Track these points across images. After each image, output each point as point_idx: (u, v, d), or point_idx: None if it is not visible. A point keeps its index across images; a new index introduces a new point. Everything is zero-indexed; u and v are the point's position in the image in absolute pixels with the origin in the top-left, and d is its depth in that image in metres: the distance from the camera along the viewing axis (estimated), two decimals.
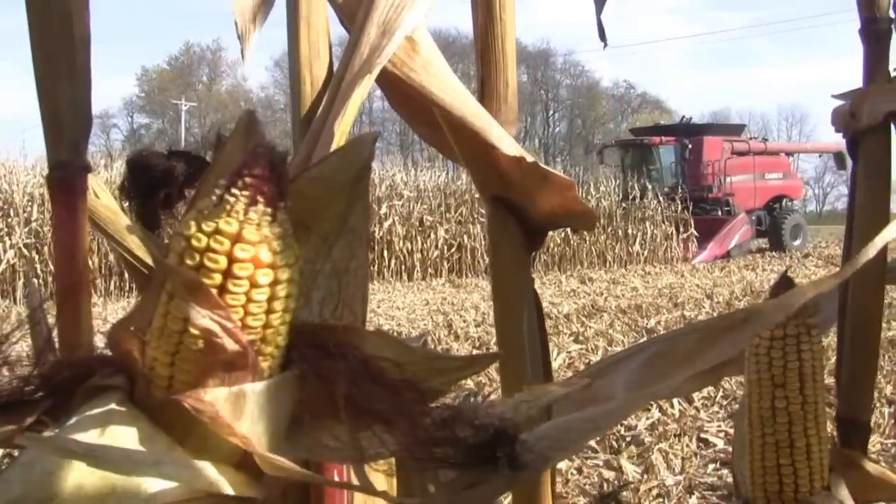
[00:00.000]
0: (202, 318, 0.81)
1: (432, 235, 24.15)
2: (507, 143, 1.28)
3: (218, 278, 0.83)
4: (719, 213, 28.96)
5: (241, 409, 0.84)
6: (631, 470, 5.53)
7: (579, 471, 5.63)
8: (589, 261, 26.28)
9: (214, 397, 0.83)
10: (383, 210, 24.12)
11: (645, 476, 5.44)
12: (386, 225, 23.97)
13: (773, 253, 28.73)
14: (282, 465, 0.84)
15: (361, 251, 0.96)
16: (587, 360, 9.01)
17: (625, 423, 6.54)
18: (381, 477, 1.08)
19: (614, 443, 6.20)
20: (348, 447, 0.88)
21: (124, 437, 0.85)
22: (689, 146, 29.69)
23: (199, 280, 0.82)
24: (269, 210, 0.84)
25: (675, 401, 6.79)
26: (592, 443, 6.12)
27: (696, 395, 6.82)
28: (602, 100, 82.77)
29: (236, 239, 0.83)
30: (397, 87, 1.27)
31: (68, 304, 1.12)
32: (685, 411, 6.77)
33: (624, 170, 30.02)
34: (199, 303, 0.81)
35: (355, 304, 0.95)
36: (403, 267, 23.93)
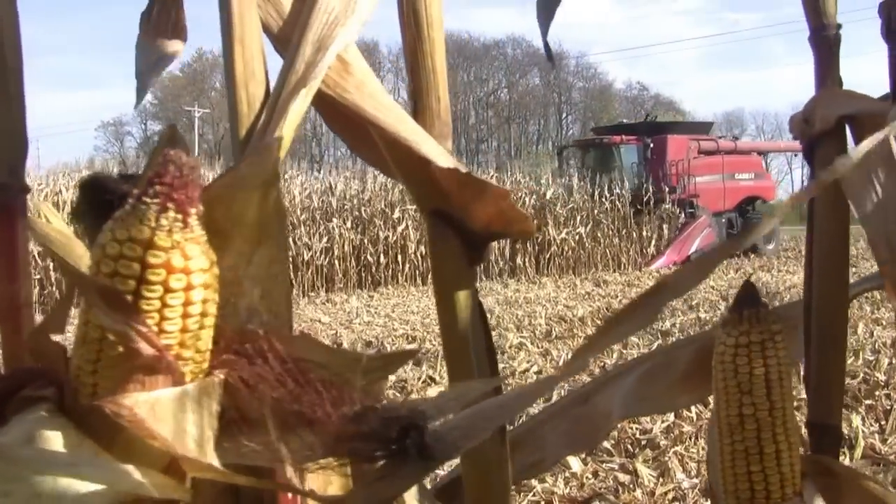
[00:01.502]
0: (117, 323, 0.83)
1: None
2: (441, 156, 1.30)
3: (132, 284, 0.85)
4: (682, 215, 27.88)
5: (161, 414, 0.86)
6: (646, 473, 5.52)
7: (595, 474, 5.63)
8: (603, 263, 26.22)
9: (134, 402, 0.84)
10: (396, 215, 24.18)
11: (661, 479, 5.44)
12: (399, 230, 24.04)
13: (750, 255, 27.99)
14: (205, 466, 0.86)
15: (282, 255, 0.97)
16: (602, 364, 9.00)
17: (640, 426, 6.54)
18: (336, 479, 1.10)
19: (629, 446, 6.19)
20: (276, 450, 0.89)
21: (50, 442, 0.86)
22: (651, 145, 28.69)
23: (112, 286, 0.84)
24: (180, 216, 0.85)
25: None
26: (608, 446, 6.12)
27: (712, 399, 6.80)
28: (615, 102, 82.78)
29: (148, 245, 0.85)
30: (332, 108, 1.29)
31: (10, 319, 1.14)
32: (701, 414, 6.75)
33: (585, 171, 28.76)
34: (114, 309, 0.83)
35: (280, 309, 0.97)
36: (418, 271, 23.99)
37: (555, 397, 5.55)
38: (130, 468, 0.86)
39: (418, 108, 1.43)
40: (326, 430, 0.86)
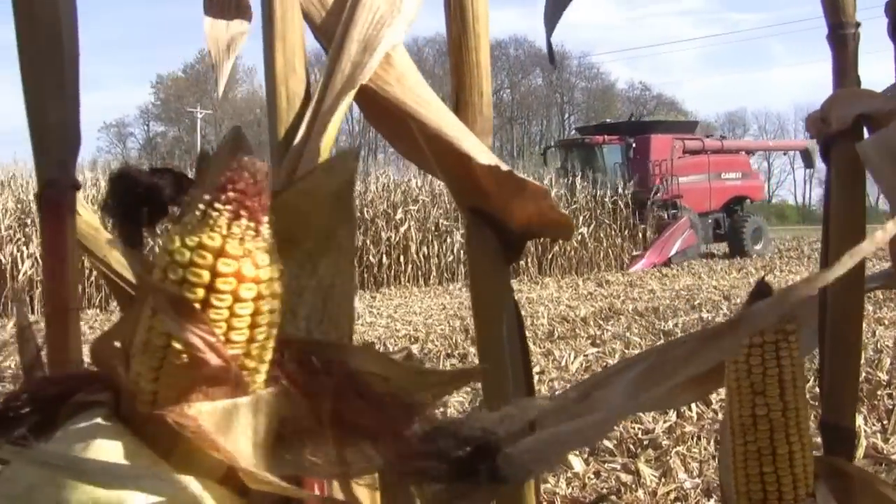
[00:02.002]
0: (185, 332, 0.81)
1: (448, 240, 24.18)
2: (481, 153, 1.28)
3: (201, 293, 0.83)
4: (665, 216, 27.37)
5: (224, 424, 0.84)
6: (648, 473, 5.52)
7: (597, 475, 5.62)
8: (606, 263, 26.17)
9: (198, 412, 0.83)
10: (399, 215, 24.17)
11: (663, 479, 5.43)
12: (402, 230, 24.02)
13: (744, 258, 27.65)
14: (265, 479, 0.84)
15: (347, 267, 0.96)
16: (604, 364, 9.01)
17: (642, 426, 6.54)
18: (364, 491, 1.09)
19: (631, 446, 6.19)
20: (334, 463, 0.88)
21: (108, 451, 0.85)
22: (633, 145, 28.28)
23: (182, 295, 0.82)
24: (252, 224, 0.84)
25: (692, 404, 6.77)
26: (610, 446, 6.13)
27: (713, 398, 6.80)
28: (617, 102, 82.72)
29: (219, 253, 0.83)
30: (373, 102, 1.27)
31: (57, 322, 1.12)
32: (703, 414, 6.75)
33: (567, 171, 28.15)
34: (182, 317, 0.81)
35: (341, 320, 0.95)
36: (420, 272, 23.98)
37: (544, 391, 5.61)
38: (190, 480, 0.85)
39: (460, 103, 1.41)
40: (389, 446, 0.84)
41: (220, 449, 0.83)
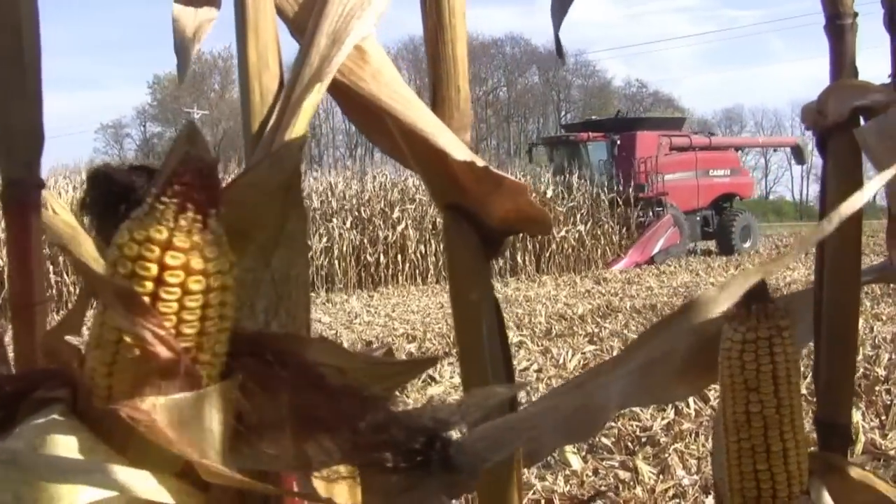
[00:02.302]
0: (134, 326, 0.81)
1: None
2: (458, 149, 1.27)
3: (150, 286, 0.83)
4: (651, 213, 26.87)
5: (178, 418, 0.84)
6: (647, 471, 5.50)
7: (595, 472, 5.62)
8: (604, 261, 26.14)
9: (150, 406, 0.83)
10: (396, 214, 24.18)
11: (661, 476, 5.42)
12: (399, 229, 24.02)
13: (731, 255, 27.34)
14: (220, 473, 0.84)
15: (301, 258, 0.95)
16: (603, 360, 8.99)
17: (640, 423, 6.53)
18: (343, 488, 1.08)
19: (630, 444, 6.18)
20: (293, 456, 0.87)
21: (63, 447, 0.85)
22: (618, 142, 27.58)
23: (130, 288, 0.82)
24: (199, 217, 0.83)
25: (690, 400, 6.77)
26: (608, 443, 6.12)
27: (711, 395, 6.79)
28: (614, 99, 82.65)
29: (167, 246, 0.83)
30: (349, 98, 1.26)
31: (22, 317, 1.12)
32: (701, 411, 6.74)
33: (554, 169, 27.93)
34: (131, 311, 0.81)
35: (298, 312, 0.95)
36: (417, 271, 23.98)
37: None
38: (145, 474, 0.85)
39: (437, 98, 1.40)
40: (345, 438, 0.84)
41: (174, 443, 0.83)
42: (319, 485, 0.96)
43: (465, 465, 0.80)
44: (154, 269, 0.83)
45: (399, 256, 23.90)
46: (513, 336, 11.01)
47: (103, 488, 0.81)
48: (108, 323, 0.85)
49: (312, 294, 20.88)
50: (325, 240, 23.00)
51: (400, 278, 23.71)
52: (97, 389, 0.88)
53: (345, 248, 23.37)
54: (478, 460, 0.81)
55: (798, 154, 29.89)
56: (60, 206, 1.36)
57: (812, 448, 1.48)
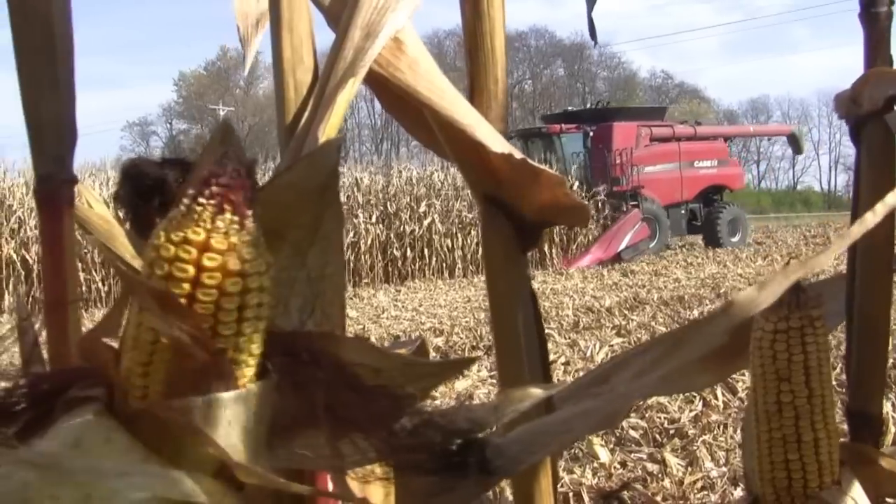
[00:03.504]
0: (170, 327, 0.81)
1: (472, 232, 24.11)
2: (496, 140, 1.27)
3: (187, 287, 0.83)
4: (625, 208, 25.48)
5: (215, 418, 0.84)
6: (675, 462, 5.47)
7: (623, 464, 5.59)
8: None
9: (187, 406, 0.83)
10: (422, 208, 24.14)
11: (689, 468, 5.39)
12: (426, 223, 23.99)
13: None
14: (256, 473, 0.84)
15: (336, 257, 0.95)
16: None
17: (668, 415, 6.51)
18: (377, 488, 1.08)
19: (657, 436, 6.15)
20: (328, 455, 0.87)
21: (99, 447, 0.85)
22: (591, 133, 26.62)
23: (166, 289, 0.82)
24: (236, 218, 0.83)
25: (718, 392, 6.72)
26: (636, 435, 6.10)
27: (739, 386, 6.76)
28: (639, 91, 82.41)
29: (204, 248, 0.83)
30: (386, 89, 1.26)
31: (55, 315, 1.12)
32: (729, 402, 6.70)
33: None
34: (167, 312, 0.81)
35: (333, 311, 0.95)
36: (445, 265, 23.96)
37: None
38: (181, 475, 0.85)
39: (475, 89, 1.40)
40: (380, 438, 0.84)
41: (210, 442, 0.83)
42: (354, 485, 0.96)
43: (502, 468, 0.80)
44: (191, 270, 0.83)
45: (425, 250, 23.87)
46: None
47: (139, 491, 0.82)
48: (145, 324, 0.85)
49: None
50: (351, 234, 22.97)
51: (427, 272, 23.69)
52: (133, 389, 0.88)
53: (371, 243, 23.37)
54: (514, 463, 0.81)
55: (794, 143, 29.06)
56: (95, 199, 1.36)
57: (843, 438, 1.47)
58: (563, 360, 9.19)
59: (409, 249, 23.72)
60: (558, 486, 5.10)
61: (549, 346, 10.00)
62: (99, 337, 0.89)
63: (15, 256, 19.48)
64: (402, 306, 16.37)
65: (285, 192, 0.92)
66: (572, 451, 5.80)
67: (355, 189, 24.47)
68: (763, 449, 1.39)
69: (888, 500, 1.50)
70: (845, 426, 1.60)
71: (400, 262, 23.60)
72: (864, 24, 1.57)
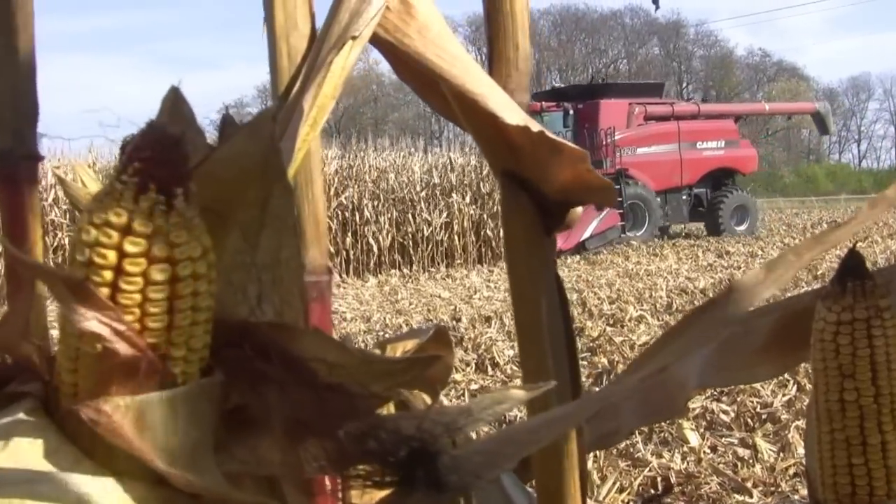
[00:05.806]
0: (87, 320, 0.72)
1: None
2: (511, 111, 1.17)
3: (108, 275, 0.74)
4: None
5: (146, 420, 0.75)
6: (766, 448, 5.35)
7: (713, 449, 5.47)
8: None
9: (114, 406, 0.74)
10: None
11: (781, 454, 5.26)
12: None
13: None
14: (191, 481, 0.75)
15: (290, 239, 0.85)
16: None
17: (760, 399, 6.34)
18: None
19: (749, 420, 6.02)
20: (284, 459, 0.78)
21: (26, 449, 0.78)
22: (571, 112, 24.31)
23: (79, 279, 0.73)
24: (162, 197, 0.74)
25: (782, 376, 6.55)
26: (727, 420, 5.97)
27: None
28: (736, 69, 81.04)
29: (126, 231, 0.74)
30: (395, 56, 1.18)
31: (16, 300, 1.04)
32: None
33: None
34: (84, 304, 0.72)
35: (291, 298, 0.85)
36: None
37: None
38: (108, 482, 0.76)
39: (493, 55, 1.31)
40: (331, 444, 0.74)
41: (135, 447, 0.74)
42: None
43: (454, 484, 0.69)
44: (112, 256, 0.74)
45: None
46: (633, 311, 10.89)
47: (52, 502, 0.73)
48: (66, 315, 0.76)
49: (432, 269, 20.95)
50: (444, 215, 22.96)
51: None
52: (64, 386, 0.80)
53: (464, 224, 23.32)
54: (470, 478, 0.70)
55: (820, 123, 26.79)
56: (89, 178, 1.29)
57: None
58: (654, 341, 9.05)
59: (502, 230, 23.59)
60: (644, 470, 5.00)
61: (642, 327, 9.90)
62: (18, 324, 0.80)
63: None
64: (495, 287, 16.29)
65: (225, 168, 0.82)
66: (662, 434, 5.70)
67: (448, 170, 24.42)
68: (825, 451, 1.29)
69: None
70: None
71: (493, 243, 23.50)
72: None
